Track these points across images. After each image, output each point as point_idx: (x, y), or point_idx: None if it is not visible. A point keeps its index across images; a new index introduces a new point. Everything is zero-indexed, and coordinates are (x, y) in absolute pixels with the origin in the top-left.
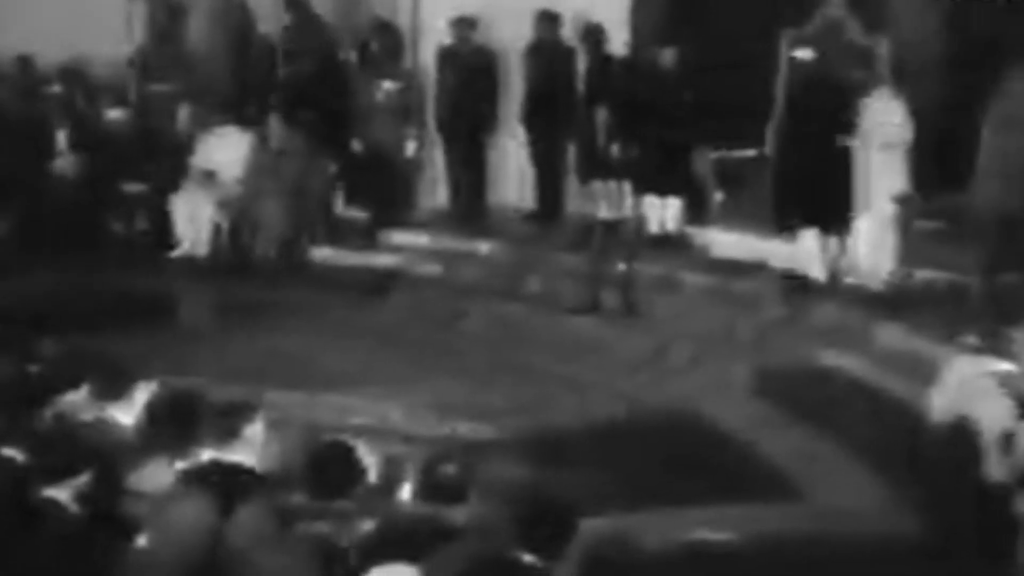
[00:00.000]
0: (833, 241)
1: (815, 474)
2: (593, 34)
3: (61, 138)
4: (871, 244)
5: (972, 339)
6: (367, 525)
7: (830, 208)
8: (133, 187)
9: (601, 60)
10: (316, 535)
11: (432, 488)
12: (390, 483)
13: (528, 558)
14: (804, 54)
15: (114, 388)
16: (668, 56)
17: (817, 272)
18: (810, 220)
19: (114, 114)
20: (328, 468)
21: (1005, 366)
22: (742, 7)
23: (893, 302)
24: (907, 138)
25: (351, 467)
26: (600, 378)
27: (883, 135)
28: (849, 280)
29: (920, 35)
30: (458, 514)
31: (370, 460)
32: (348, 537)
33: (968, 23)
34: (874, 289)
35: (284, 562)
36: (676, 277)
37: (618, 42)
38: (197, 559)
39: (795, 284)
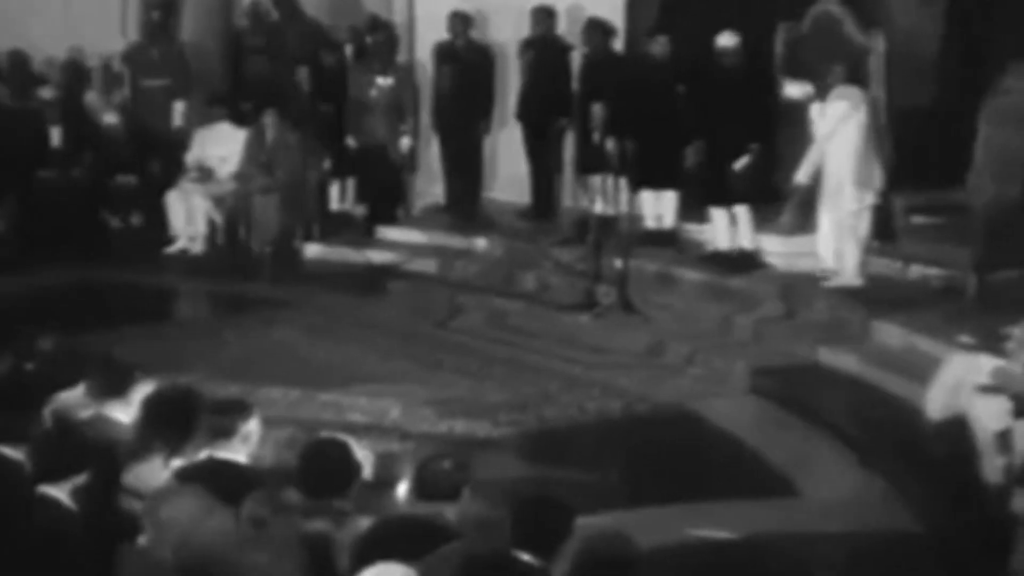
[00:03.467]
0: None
1: (811, 471)
2: (599, 28)
3: (55, 134)
4: (835, 242)
5: (968, 337)
6: (363, 523)
7: (753, 186)
8: (126, 179)
9: (604, 54)
10: (311, 533)
11: (429, 486)
12: (386, 480)
13: (525, 556)
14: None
15: (112, 385)
16: (660, 45)
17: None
18: (737, 199)
19: (109, 118)
20: (322, 466)
21: (1001, 363)
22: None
23: (889, 299)
24: (861, 136)
25: (346, 465)
26: (596, 375)
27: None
28: (826, 283)
29: (916, 31)
30: (454, 512)
31: (364, 457)
32: (344, 535)
33: (965, 19)
34: (853, 286)
35: (277, 560)
36: (672, 273)
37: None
38: (191, 557)
39: (730, 261)
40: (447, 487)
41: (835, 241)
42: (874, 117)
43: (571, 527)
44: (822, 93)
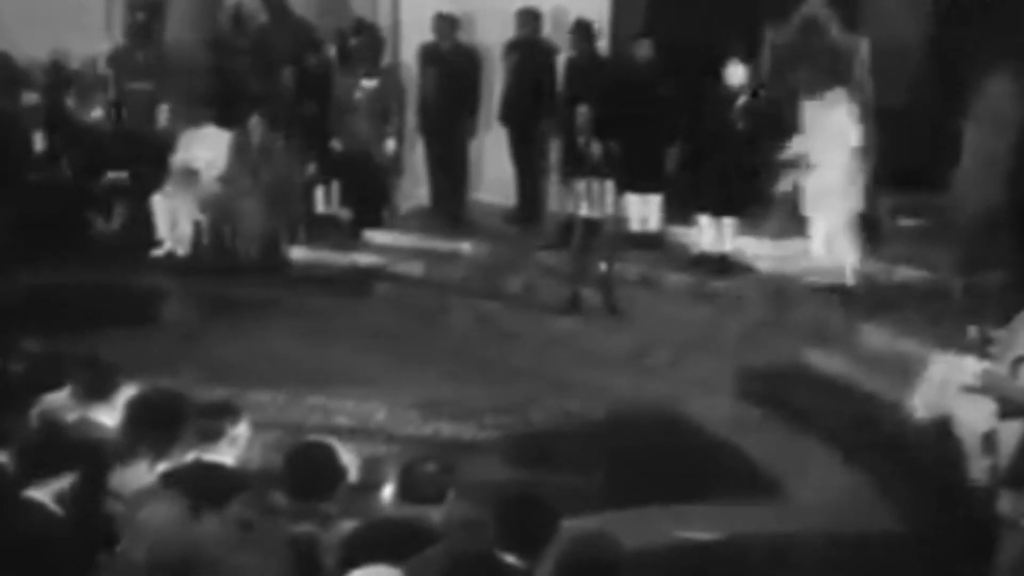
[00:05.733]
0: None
1: (797, 473)
2: (584, 31)
3: (38, 138)
4: (830, 243)
5: (954, 338)
6: (349, 526)
7: (733, 194)
8: (114, 177)
9: (589, 57)
10: (297, 536)
11: (413, 489)
12: (372, 483)
13: (510, 558)
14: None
15: (98, 388)
16: (644, 48)
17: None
18: (718, 208)
19: (96, 113)
20: (308, 469)
21: (986, 365)
22: (723, 1)
23: (874, 301)
24: (857, 139)
25: (331, 468)
26: (582, 377)
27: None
28: (812, 280)
29: (901, 34)
30: (438, 514)
31: (350, 460)
32: (330, 538)
33: (949, 22)
34: (846, 286)
35: (262, 563)
36: (657, 276)
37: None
38: (170, 560)
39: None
40: (431, 490)
41: (833, 243)
42: (862, 118)
43: (555, 528)
44: (808, 92)
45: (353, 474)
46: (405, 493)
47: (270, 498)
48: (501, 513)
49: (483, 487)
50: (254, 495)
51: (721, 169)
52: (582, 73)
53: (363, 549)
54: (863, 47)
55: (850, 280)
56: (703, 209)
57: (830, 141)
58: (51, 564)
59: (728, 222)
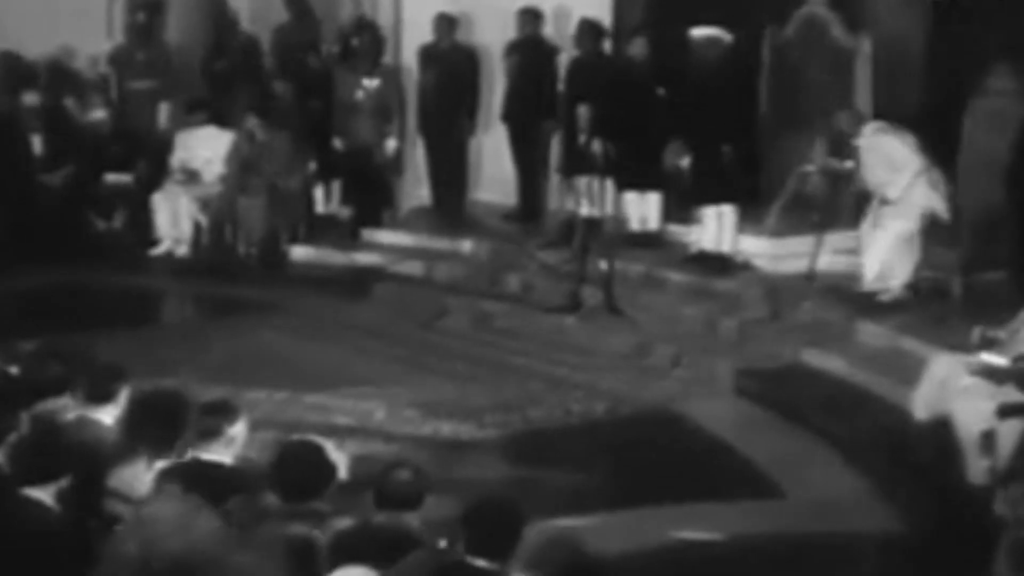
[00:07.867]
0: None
1: (796, 473)
2: (591, 30)
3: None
4: (886, 258)
5: (955, 338)
6: (343, 524)
7: (739, 183)
8: (115, 178)
9: (592, 56)
10: (293, 536)
11: (389, 495)
12: (368, 482)
13: (480, 562)
14: (704, 32)
15: (99, 389)
16: (638, 46)
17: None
18: (723, 197)
19: (98, 114)
20: (297, 469)
21: (987, 363)
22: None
23: (874, 300)
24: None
25: (320, 467)
26: (582, 377)
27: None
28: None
29: (902, 33)
30: (416, 519)
31: (339, 458)
32: (326, 537)
33: (950, 20)
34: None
35: (258, 562)
36: (657, 275)
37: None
38: (172, 558)
39: (713, 263)
40: (407, 496)
41: (890, 255)
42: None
43: (521, 529)
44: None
45: (343, 472)
46: (380, 500)
47: (265, 498)
48: (466, 516)
49: (481, 486)
50: (249, 496)
51: (721, 155)
52: (583, 72)
53: (345, 552)
54: (864, 46)
55: (900, 292)
56: (703, 200)
57: (892, 166)
58: (49, 563)
59: (728, 212)
